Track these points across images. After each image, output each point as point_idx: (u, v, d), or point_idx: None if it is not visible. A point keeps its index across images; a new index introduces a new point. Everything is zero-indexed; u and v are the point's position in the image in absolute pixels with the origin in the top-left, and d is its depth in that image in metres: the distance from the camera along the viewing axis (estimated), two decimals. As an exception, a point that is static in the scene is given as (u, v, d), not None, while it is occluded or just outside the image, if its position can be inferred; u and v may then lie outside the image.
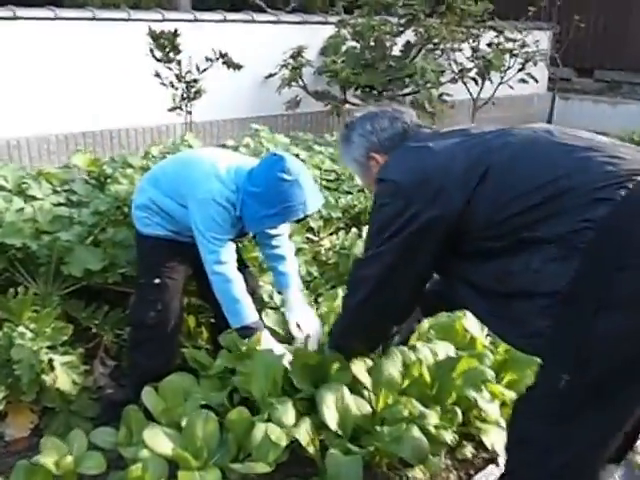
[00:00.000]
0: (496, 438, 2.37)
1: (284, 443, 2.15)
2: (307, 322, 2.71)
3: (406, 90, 6.84)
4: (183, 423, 2.24)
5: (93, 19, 5.82)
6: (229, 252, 2.56)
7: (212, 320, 3.05)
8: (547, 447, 1.74)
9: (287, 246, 2.87)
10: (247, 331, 2.53)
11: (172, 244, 2.66)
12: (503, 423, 2.43)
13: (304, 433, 2.19)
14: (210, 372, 2.55)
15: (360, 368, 2.37)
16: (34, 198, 3.02)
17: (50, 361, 2.58)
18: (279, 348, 2.52)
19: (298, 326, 2.70)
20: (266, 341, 2.53)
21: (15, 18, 5.40)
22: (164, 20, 6.03)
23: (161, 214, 2.63)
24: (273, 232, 2.78)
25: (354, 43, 6.93)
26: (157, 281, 2.63)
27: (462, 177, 1.84)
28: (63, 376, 2.60)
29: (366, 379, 2.35)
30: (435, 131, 2.16)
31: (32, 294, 2.78)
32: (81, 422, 2.64)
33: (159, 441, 2.17)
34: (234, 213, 2.55)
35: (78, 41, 5.75)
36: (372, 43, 6.71)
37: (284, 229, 2.83)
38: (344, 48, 6.96)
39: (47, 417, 2.67)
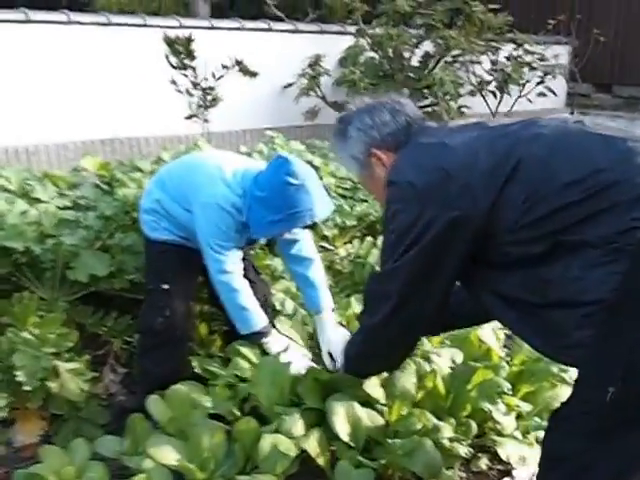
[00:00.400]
0: (512, 451, 2.29)
1: (293, 454, 2.09)
2: (338, 349, 2.52)
3: (425, 102, 6.77)
4: (190, 433, 2.19)
5: (108, 24, 5.78)
6: (234, 260, 2.49)
7: (225, 328, 3.00)
8: (585, 466, 1.62)
9: (312, 251, 2.74)
10: (257, 337, 2.49)
11: (181, 250, 2.61)
12: (519, 435, 2.36)
13: (314, 444, 2.13)
14: (220, 381, 2.50)
15: (372, 383, 2.30)
16: (39, 201, 2.99)
17: (55, 367, 2.54)
18: (293, 354, 2.46)
19: (330, 355, 2.53)
20: (277, 343, 2.48)
21: (28, 21, 5.36)
22: (180, 27, 5.99)
23: (169, 218, 2.59)
24: (290, 237, 2.65)
25: (372, 53, 6.88)
26: (165, 287, 2.57)
27: (488, 173, 1.67)
28: (69, 383, 2.56)
29: (378, 393, 2.28)
30: (444, 125, 2.03)
31: (38, 299, 2.75)
32: (92, 429, 2.60)
33: (164, 451, 2.12)
34: (239, 218, 2.48)
35: (92, 46, 5.68)
36: (390, 53, 6.65)
37: (303, 234, 2.70)
38: (362, 58, 6.91)
39: (56, 424, 2.63)
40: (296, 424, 2.15)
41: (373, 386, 2.28)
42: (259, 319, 2.49)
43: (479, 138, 1.78)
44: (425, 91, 6.57)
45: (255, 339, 2.49)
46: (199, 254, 2.55)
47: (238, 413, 2.31)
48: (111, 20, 5.86)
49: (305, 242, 2.71)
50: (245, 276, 2.60)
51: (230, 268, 2.46)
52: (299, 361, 2.44)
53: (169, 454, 2.11)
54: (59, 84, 5.50)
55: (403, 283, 1.82)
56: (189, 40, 5.19)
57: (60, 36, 5.58)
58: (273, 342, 2.50)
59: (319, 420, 2.23)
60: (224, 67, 5.33)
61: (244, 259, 2.64)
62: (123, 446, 2.27)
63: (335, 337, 2.52)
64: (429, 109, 6.70)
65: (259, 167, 2.58)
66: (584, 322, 1.55)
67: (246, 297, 2.48)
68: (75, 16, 5.69)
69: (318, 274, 2.70)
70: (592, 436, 1.60)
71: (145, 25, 6.03)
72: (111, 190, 3.31)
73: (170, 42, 5.49)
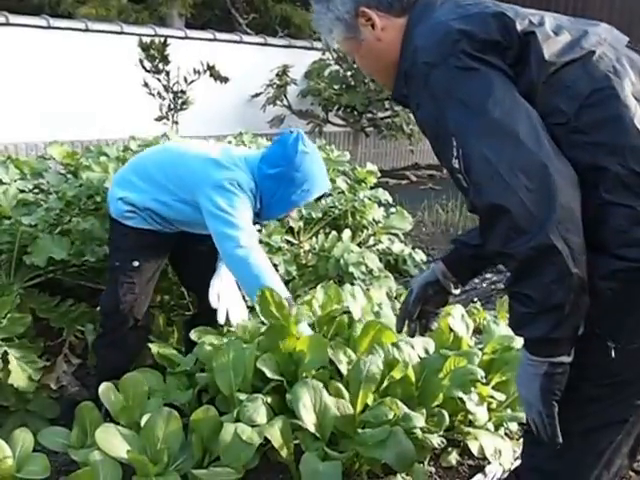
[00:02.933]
0: (486, 443, 1.96)
1: (256, 443, 1.74)
2: (230, 297, 2.33)
3: (386, 113, 6.53)
4: (142, 422, 1.82)
5: (86, 30, 5.50)
6: (250, 235, 2.14)
7: (184, 319, 2.65)
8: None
9: None
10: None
11: (153, 233, 2.27)
12: (492, 427, 2.04)
13: (277, 434, 1.78)
14: (178, 369, 2.14)
15: (342, 360, 1.97)
16: (0, 182, 2.60)
17: (4, 354, 2.16)
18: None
19: (218, 297, 2.31)
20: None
21: (8, 24, 5.04)
22: (155, 35, 5.68)
23: (150, 213, 2.24)
24: None
25: (337, 67, 6.63)
26: (136, 264, 2.23)
27: None
28: (17, 371, 2.18)
29: (345, 370, 1.95)
30: None
31: (-9, 283, 2.37)
32: (40, 422, 2.23)
33: (113, 443, 1.75)
34: (252, 201, 2.20)
35: (70, 51, 5.42)
36: (354, 66, 6.41)
37: None
38: (327, 71, 6.67)
39: (0, 416, 2.24)
40: (259, 411, 1.81)
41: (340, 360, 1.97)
42: (283, 287, 2.13)
43: None
44: (386, 102, 6.33)
45: None
46: (171, 237, 2.27)
47: (196, 403, 1.96)
48: (89, 27, 5.59)
49: None
50: (215, 255, 2.30)
51: (245, 243, 2.08)
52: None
53: (119, 445, 1.74)
54: (35, 86, 5.24)
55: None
56: (164, 44, 4.91)
57: (39, 40, 5.31)
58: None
59: (282, 407, 1.89)
60: (196, 72, 5.03)
61: None
62: (70, 438, 1.89)
63: (233, 288, 2.36)
64: (389, 120, 6.47)
65: (254, 152, 2.33)
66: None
67: (268, 276, 2.09)
68: (55, 21, 5.42)
69: None
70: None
71: (122, 32, 5.78)
72: (76, 178, 2.93)
73: (145, 47, 5.19)
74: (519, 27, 1.25)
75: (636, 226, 1.19)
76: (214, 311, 2.29)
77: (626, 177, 1.18)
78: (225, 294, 2.33)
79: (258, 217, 2.29)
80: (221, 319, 2.29)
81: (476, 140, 1.20)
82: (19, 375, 2.19)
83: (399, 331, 1.72)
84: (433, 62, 1.25)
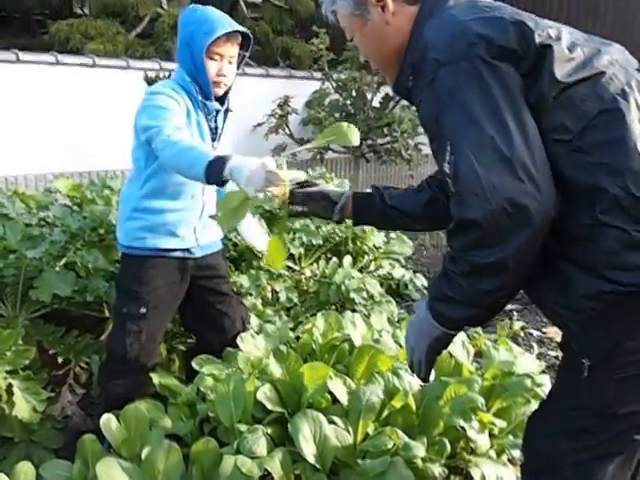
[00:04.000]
0: (488, 471, 1.90)
1: (256, 475, 1.69)
2: (257, 230, 2.43)
3: (385, 139, 6.53)
4: (143, 455, 1.78)
5: (93, 66, 5.53)
6: (175, 126, 1.94)
7: (184, 348, 2.61)
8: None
9: None
10: (217, 165, 1.74)
11: (164, 266, 2.16)
12: (494, 455, 1.99)
13: (277, 466, 1.73)
14: (179, 399, 2.10)
15: (340, 390, 1.92)
16: (6, 217, 2.57)
17: (9, 386, 2.12)
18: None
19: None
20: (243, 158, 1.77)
21: (18, 61, 5.09)
22: (161, 70, 5.71)
23: (152, 204, 2.13)
24: None
25: (337, 96, 6.65)
26: (143, 310, 2.13)
27: None
28: (22, 402, 2.14)
29: (345, 400, 1.90)
30: None
31: (-3, 316, 2.34)
32: (44, 453, 2.19)
33: (114, 476, 1.70)
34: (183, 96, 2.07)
35: (78, 86, 5.44)
36: (354, 94, 6.42)
37: None
38: (327, 100, 6.68)
39: (5, 447, 2.19)
40: (259, 443, 1.76)
41: (340, 393, 1.92)
42: (209, 150, 1.90)
43: None
44: (385, 129, 6.33)
45: (216, 170, 1.74)
46: (180, 269, 2.19)
47: (198, 433, 1.91)
48: (97, 62, 5.62)
49: None
50: (220, 291, 2.30)
51: (169, 132, 1.90)
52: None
53: (120, 479, 1.70)
54: (45, 120, 5.25)
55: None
56: (169, 77, 4.91)
57: (49, 76, 5.33)
58: (238, 158, 1.75)
59: (283, 437, 1.84)
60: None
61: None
62: (72, 471, 1.84)
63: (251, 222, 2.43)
64: (388, 146, 6.47)
65: None
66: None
67: (188, 141, 1.88)
68: (63, 58, 5.44)
69: None
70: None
71: (128, 67, 5.79)
72: (81, 210, 2.92)
73: (150, 81, 5.21)
74: (537, 39, 1.22)
75: (627, 250, 1.16)
76: (212, 348, 2.27)
77: (623, 199, 1.16)
78: (249, 227, 2.39)
79: (202, 89, 2.12)
80: (261, 247, 2.39)
81: (470, 152, 1.17)
82: (23, 407, 2.15)
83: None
84: (444, 60, 1.21)
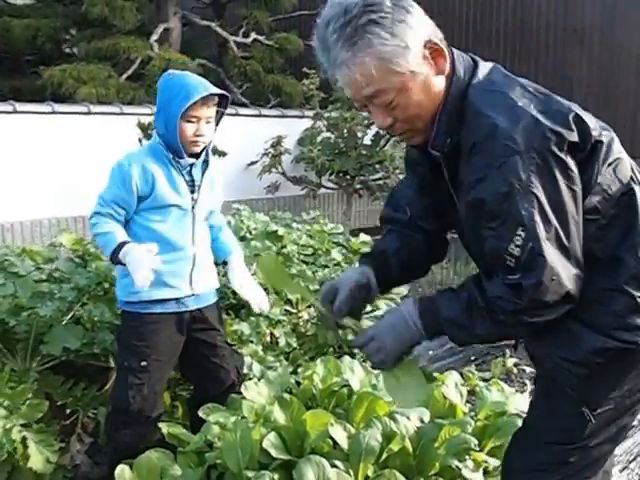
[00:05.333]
0: (482, 509, 2.07)
1: (265, 521, 1.85)
2: (251, 285, 2.52)
3: (377, 175, 6.76)
4: (156, 504, 1.93)
5: (88, 113, 5.76)
6: (108, 207, 2.28)
7: (188, 395, 2.76)
8: None
9: (222, 219, 2.63)
10: (116, 251, 2.18)
11: (159, 320, 2.32)
12: (487, 492, 2.16)
13: (284, 510, 1.89)
14: (188, 448, 2.25)
15: (340, 435, 2.08)
16: (17, 275, 2.75)
17: (24, 439, 2.27)
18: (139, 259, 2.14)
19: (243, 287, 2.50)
20: (135, 249, 2.17)
21: (15, 112, 5.31)
22: (152, 114, 5.92)
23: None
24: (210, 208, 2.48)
25: (328, 134, 6.90)
26: (143, 364, 2.28)
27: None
28: (37, 454, 2.28)
29: (345, 445, 2.06)
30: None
31: (9, 370, 2.49)
32: (56, 502, 2.32)
33: (131, 524, 1.86)
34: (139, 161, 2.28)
35: (74, 133, 5.68)
36: (345, 134, 6.67)
37: (218, 204, 2.56)
38: (319, 138, 6.93)
39: (20, 498, 2.34)
40: (265, 489, 1.92)
41: (341, 438, 2.07)
42: (117, 236, 2.22)
43: None
44: (377, 166, 6.57)
45: (117, 256, 2.18)
46: (177, 323, 2.34)
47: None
48: (91, 109, 5.85)
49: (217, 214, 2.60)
50: (215, 344, 2.43)
51: (98, 210, 2.29)
52: (140, 266, 2.13)
53: (136, 528, 1.85)
54: (41, 167, 5.49)
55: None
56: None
57: (45, 125, 5.58)
58: (131, 248, 2.17)
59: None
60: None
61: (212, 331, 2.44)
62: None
63: (248, 276, 2.54)
64: (381, 182, 6.69)
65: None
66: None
67: (105, 223, 2.26)
68: (58, 107, 5.68)
69: (230, 237, 2.60)
70: None
71: (122, 113, 6.03)
72: (84, 263, 3.10)
73: (143, 127, 5.44)
74: (594, 133, 1.39)
75: (633, 314, 1.39)
76: (208, 395, 2.42)
77: (635, 268, 1.39)
78: (246, 282, 2.51)
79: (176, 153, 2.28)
80: (257, 307, 2.54)
81: (547, 246, 1.32)
82: (38, 458, 2.29)
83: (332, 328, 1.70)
84: (516, 149, 1.30)
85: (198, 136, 2.26)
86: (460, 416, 2.35)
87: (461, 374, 3.00)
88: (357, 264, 1.75)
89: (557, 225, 1.32)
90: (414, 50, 1.35)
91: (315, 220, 3.98)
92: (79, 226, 5.63)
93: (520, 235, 1.32)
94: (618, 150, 1.46)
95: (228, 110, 7.76)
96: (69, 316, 2.67)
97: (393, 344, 1.50)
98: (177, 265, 2.33)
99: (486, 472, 2.21)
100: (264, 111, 7.28)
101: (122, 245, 2.18)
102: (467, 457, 2.11)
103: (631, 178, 1.45)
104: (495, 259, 1.37)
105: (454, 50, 1.46)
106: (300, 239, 3.74)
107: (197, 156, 2.34)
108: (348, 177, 6.75)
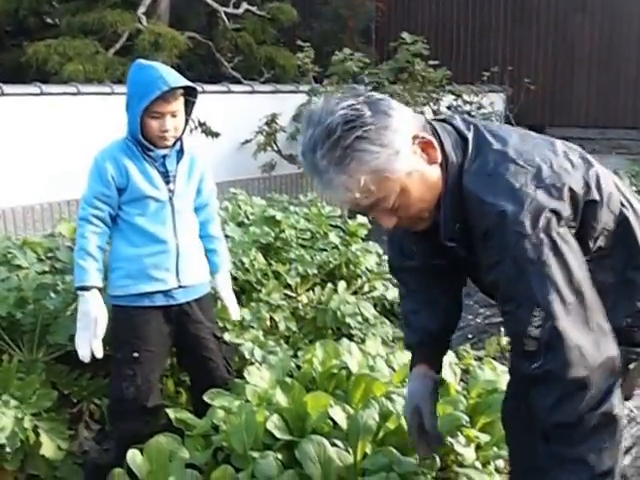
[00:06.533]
0: (475, 480, 2.31)
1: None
2: (229, 301, 2.73)
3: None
4: (165, 485, 2.16)
5: (77, 93, 5.84)
6: (96, 208, 2.41)
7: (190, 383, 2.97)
8: None
9: (214, 210, 2.69)
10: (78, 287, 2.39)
11: (147, 313, 2.48)
12: (480, 466, 2.38)
13: (287, 487, 2.12)
14: (195, 431, 2.47)
15: (340, 416, 2.30)
16: (19, 267, 2.95)
17: (35, 428, 2.49)
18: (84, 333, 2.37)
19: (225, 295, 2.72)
20: (90, 303, 2.36)
21: (3, 94, 5.40)
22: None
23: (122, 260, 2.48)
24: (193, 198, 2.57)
25: (324, 109, 7.01)
26: (135, 355, 2.45)
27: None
28: (48, 442, 2.50)
29: (344, 424, 2.29)
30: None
31: (17, 362, 2.70)
32: (66, 489, 2.54)
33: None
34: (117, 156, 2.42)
35: (63, 114, 5.75)
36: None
37: (208, 196, 2.64)
38: (315, 114, 7.05)
39: (32, 484, 2.57)
40: (271, 466, 2.14)
41: (340, 419, 2.29)
42: (90, 275, 2.36)
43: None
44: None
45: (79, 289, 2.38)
46: (167, 314, 2.49)
47: (213, 461, 2.29)
48: (80, 90, 5.91)
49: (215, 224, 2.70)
50: (204, 337, 2.57)
51: (82, 214, 2.42)
52: (83, 343, 2.38)
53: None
54: (31, 150, 5.53)
55: None
56: (154, 101, 5.25)
57: (33, 106, 5.64)
58: (88, 300, 2.36)
59: (292, 461, 2.22)
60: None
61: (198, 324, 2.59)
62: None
63: (231, 294, 2.74)
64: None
65: None
66: None
67: (87, 239, 2.38)
68: (47, 88, 5.75)
69: (224, 248, 2.73)
70: None
71: (113, 93, 6.08)
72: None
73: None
74: (583, 198, 1.53)
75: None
76: (203, 384, 2.59)
77: None
78: (225, 299, 2.72)
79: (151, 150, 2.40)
80: (235, 315, 2.78)
81: (566, 324, 1.40)
82: (49, 446, 2.50)
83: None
84: (525, 233, 1.42)
85: (164, 132, 2.34)
86: (453, 394, 2.57)
87: (457, 353, 3.23)
88: (411, 361, 2.05)
89: (574, 299, 1.42)
90: (404, 152, 1.42)
91: (312, 202, 4.16)
92: (72, 209, 5.75)
93: (537, 316, 1.41)
94: (605, 182, 1.61)
95: (219, 88, 7.97)
96: (74, 306, 2.87)
97: None
98: (160, 258, 2.45)
99: (478, 447, 2.44)
100: (257, 87, 7.36)
101: (84, 289, 2.35)
102: (459, 433, 2.34)
103: (621, 204, 1.63)
104: (516, 344, 1.51)
105: (438, 129, 1.55)
106: (298, 223, 3.92)
107: (173, 146, 2.44)
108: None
